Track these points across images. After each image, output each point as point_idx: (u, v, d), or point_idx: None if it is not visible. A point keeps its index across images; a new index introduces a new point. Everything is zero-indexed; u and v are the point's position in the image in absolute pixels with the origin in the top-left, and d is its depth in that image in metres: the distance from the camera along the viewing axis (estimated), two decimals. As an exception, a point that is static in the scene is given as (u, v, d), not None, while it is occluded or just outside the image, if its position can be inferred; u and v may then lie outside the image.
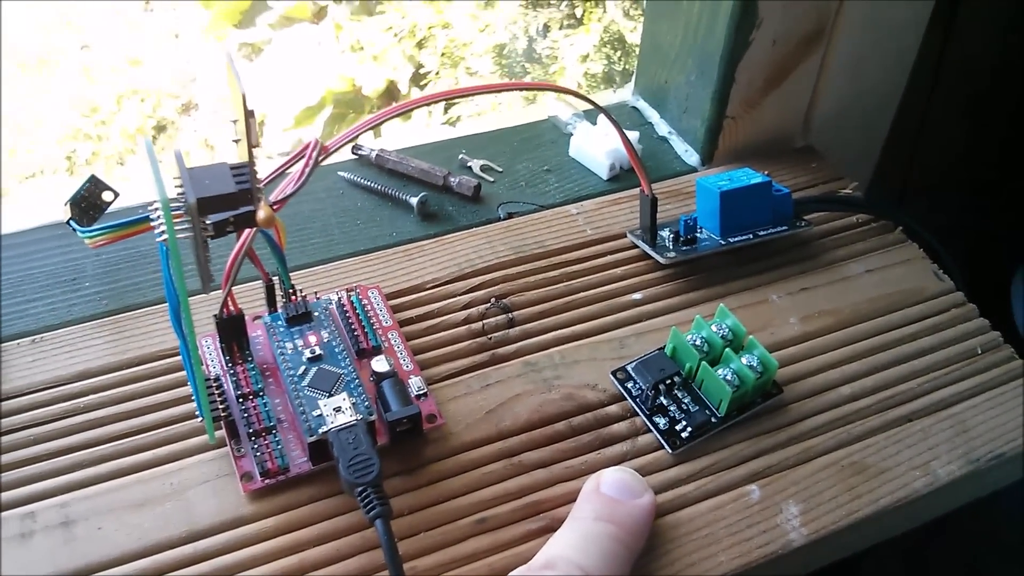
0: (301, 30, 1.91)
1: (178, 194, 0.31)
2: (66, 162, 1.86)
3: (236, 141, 0.32)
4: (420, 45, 1.68)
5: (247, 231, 0.36)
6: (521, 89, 0.44)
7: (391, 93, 1.73)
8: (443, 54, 1.63)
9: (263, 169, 0.35)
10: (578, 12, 1.52)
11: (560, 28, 1.55)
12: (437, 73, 1.65)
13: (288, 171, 0.37)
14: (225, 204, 0.31)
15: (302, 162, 0.36)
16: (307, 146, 0.36)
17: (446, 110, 1.51)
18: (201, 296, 0.44)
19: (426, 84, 1.69)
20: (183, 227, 0.31)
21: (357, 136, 0.37)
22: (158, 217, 0.30)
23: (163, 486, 0.37)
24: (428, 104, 0.37)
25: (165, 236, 0.30)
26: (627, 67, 1.41)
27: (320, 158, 0.36)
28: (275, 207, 0.34)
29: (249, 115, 0.31)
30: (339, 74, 1.80)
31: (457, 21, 1.62)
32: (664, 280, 0.48)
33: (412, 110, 0.36)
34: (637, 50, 0.60)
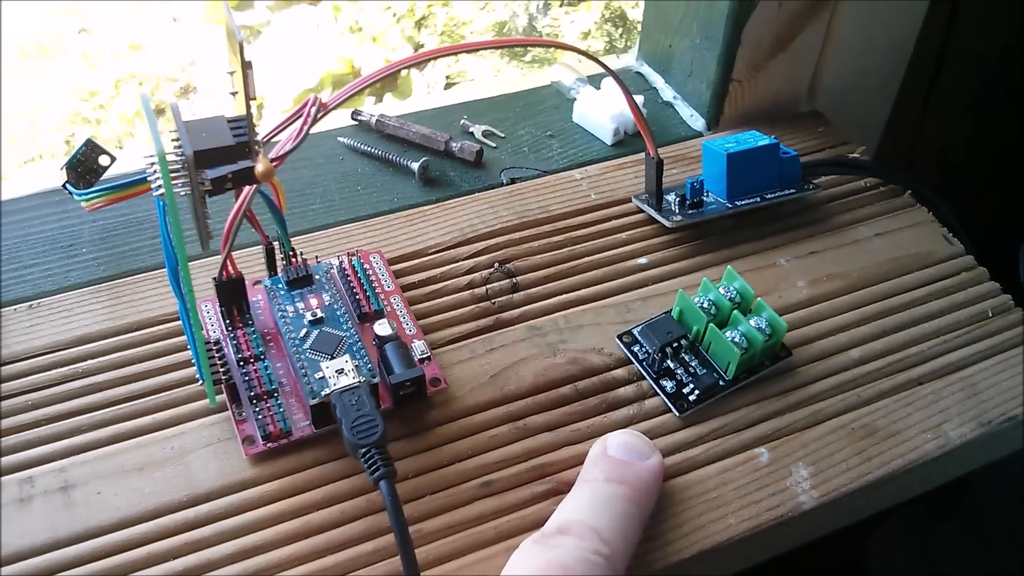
0: (299, 11, 1.90)
1: (175, 147, 0.30)
2: (65, 146, 1.85)
3: (234, 93, 0.31)
4: (419, 25, 1.67)
5: (246, 190, 0.36)
6: (531, 46, 0.43)
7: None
8: (442, 33, 1.62)
9: (262, 130, 0.35)
10: (579, -11, 1.51)
11: (561, 5, 1.53)
12: (436, 53, 1.64)
13: (285, 131, 0.36)
14: (223, 157, 0.31)
15: (300, 120, 0.35)
16: (305, 103, 0.35)
17: (447, 88, 1.50)
18: (200, 260, 0.43)
19: (425, 64, 1.68)
20: (181, 182, 0.31)
21: (357, 93, 0.36)
22: (155, 171, 0.30)
23: (163, 450, 0.37)
24: (432, 58, 0.36)
25: (162, 191, 0.30)
26: (628, 44, 1.40)
27: (319, 115, 0.35)
28: (274, 164, 0.34)
29: (247, 66, 0.30)
30: (337, 56, 1.79)
31: (456, -1, 1.61)
32: (670, 244, 0.47)
33: (419, 63, 0.35)
34: (639, 27, 0.59)
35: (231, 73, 0.31)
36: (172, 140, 0.31)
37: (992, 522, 0.59)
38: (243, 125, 0.31)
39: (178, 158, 0.30)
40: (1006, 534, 0.59)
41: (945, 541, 0.61)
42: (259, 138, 0.32)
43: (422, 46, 1.65)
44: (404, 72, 1.72)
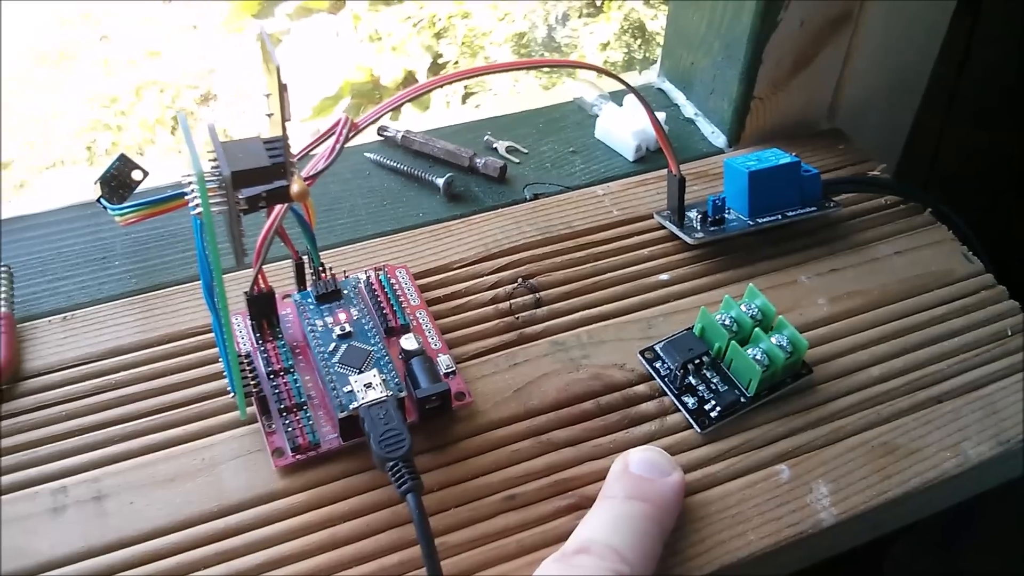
0: (319, 20, 1.91)
1: (212, 168, 0.31)
2: (86, 152, 1.87)
3: (269, 115, 0.32)
4: (439, 35, 1.68)
5: (277, 207, 0.36)
6: (553, 67, 0.43)
7: (409, 83, 1.74)
8: (462, 43, 1.63)
9: (293, 146, 0.35)
10: (598, 0, 1.51)
11: (580, 16, 1.54)
12: (456, 63, 1.65)
13: (318, 149, 0.37)
14: (259, 178, 0.31)
15: (332, 139, 0.36)
16: (337, 123, 0.36)
17: (464, 100, 1.51)
18: (230, 275, 0.44)
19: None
20: (217, 201, 0.31)
21: (386, 113, 0.37)
22: (192, 191, 0.31)
23: (194, 461, 0.38)
24: (460, 80, 0.37)
25: (199, 210, 0.31)
26: (647, 55, 1.41)
27: (350, 135, 0.36)
28: (307, 183, 0.34)
29: (283, 89, 0.31)
30: (357, 64, 1.80)
31: (476, 10, 1.62)
32: (692, 261, 0.48)
33: (444, 85, 0.36)
34: (657, 38, 0.60)
35: (267, 95, 0.32)
36: (210, 161, 0.31)
37: (1009, 538, 0.59)
38: (279, 146, 0.32)
39: (215, 178, 0.31)
40: (1022, 550, 0.59)
41: (961, 557, 0.61)
42: (293, 159, 0.33)
43: (441, 56, 1.67)
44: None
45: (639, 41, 1.50)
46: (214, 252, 0.31)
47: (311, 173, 0.35)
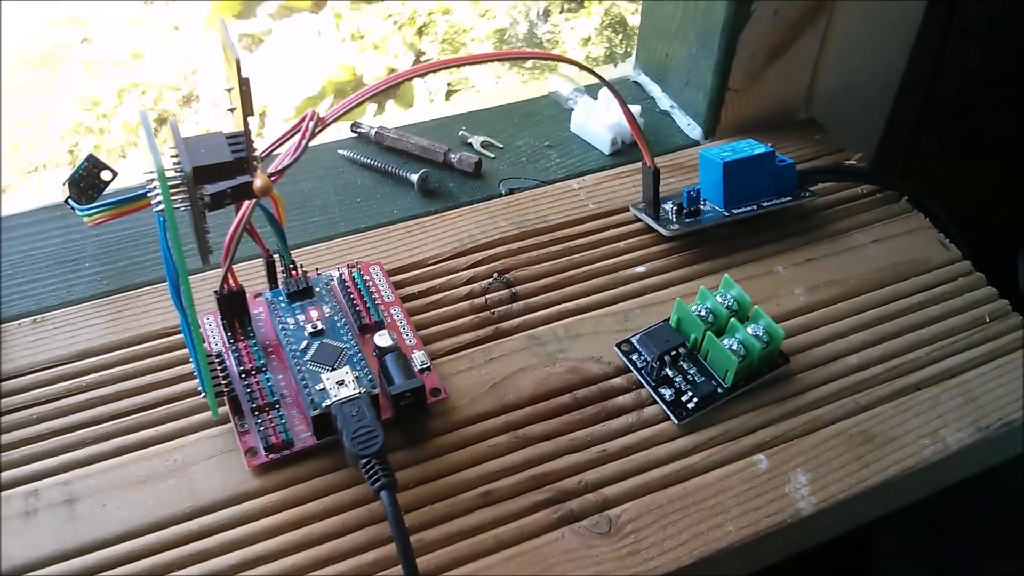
0: (301, 19, 1.90)
1: (174, 164, 0.31)
2: (68, 156, 1.86)
3: (231, 110, 0.32)
4: (420, 32, 1.68)
5: (245, 204, 0.36)
6: (525, 58, 0.43)
7: (392, 81, 1.73)
8: (443, 40, 1.63)
9: (261, 144, 0.35)
10: (578, -5, 1.51)
11: (561, 12, 1.54)
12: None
13: (284, 145, 0.36)
14: (221, 173, 0.31)
15: (298, 135, 0.36)
16: (304, 118, 0.36)
17: (448, 97, 1.51)
18: (202, 274, 0.44)
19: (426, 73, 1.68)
20: (180, 198, 0.31)
21: (354, 107, 0.36)
22: (155, 188, 0.30)
23: (166, 463, 0.37)
24: (427, 73, 0.37)
25: (162, 207, 0.30)
26: (628, 49, 1.40)
27: (317, 129, 0.36)
28: (273, 179, 0.34)
29: (243, 83, 0.31)
30: (340, 63, 1.79)
31: (457, 7, 1.62)
32: (668, 253, 0.47)
33: (410, 79, 0.36)
34: (639, 31, 0.60)
35: (229, 90, 0.31)
36: (171, 156, 0.31)
37: (994, 527, 0.59)
38: (241, 141, 0.31)
39: (177, 174, 0.30)
40: (1009, 540, 0.59)
41: (945, 546, 0.61)
42: (258, 153, 0.32)
43: (423, 53, 1.66)
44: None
45: (620, 36, 1.49)
46: (177, 249, 0.31)
47: (277, 169, 0.35)
